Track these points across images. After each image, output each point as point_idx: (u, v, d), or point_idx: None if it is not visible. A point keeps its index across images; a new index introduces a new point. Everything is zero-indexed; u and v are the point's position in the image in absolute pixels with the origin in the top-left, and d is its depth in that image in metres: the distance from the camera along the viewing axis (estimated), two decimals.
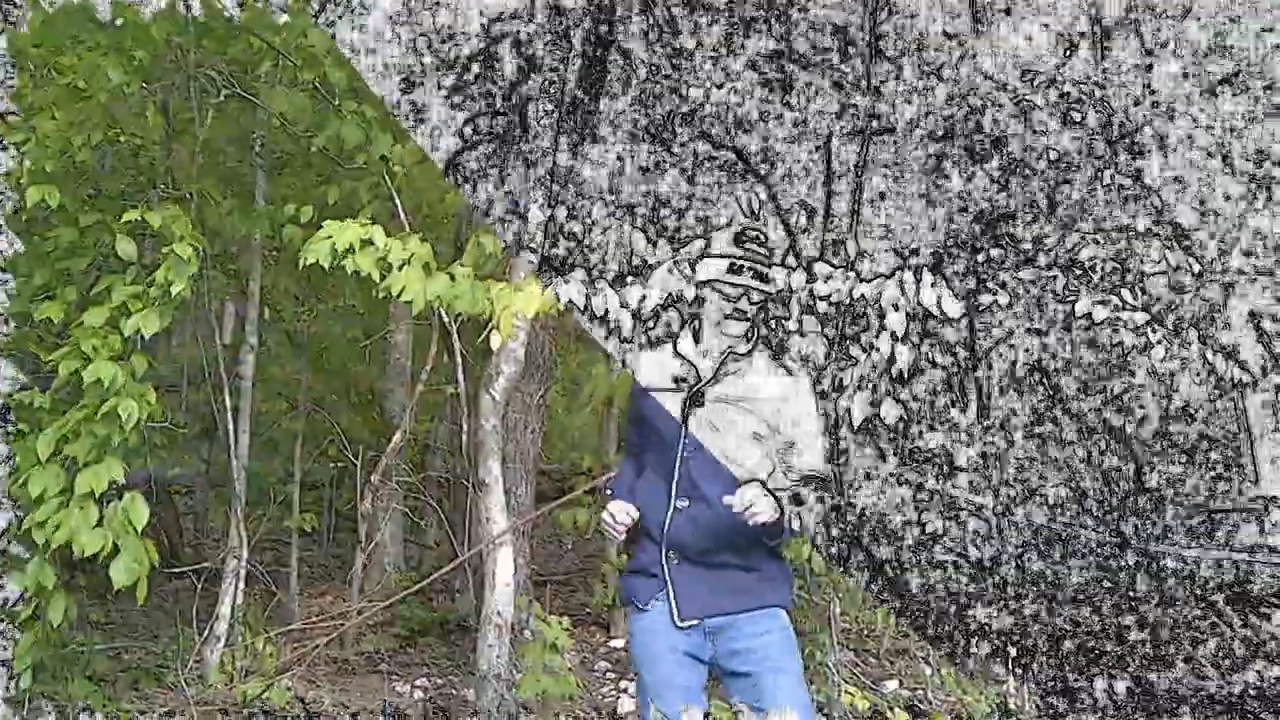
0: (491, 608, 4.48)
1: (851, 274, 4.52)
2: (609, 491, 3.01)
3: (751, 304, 2.87)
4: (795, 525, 2.77)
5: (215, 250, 5.51)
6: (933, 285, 4.27)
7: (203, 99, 5.24)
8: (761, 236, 2.93)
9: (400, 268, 4.29)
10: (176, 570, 5.67)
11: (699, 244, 3.03)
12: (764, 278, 2.88)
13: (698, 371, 2.91)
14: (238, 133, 5.66)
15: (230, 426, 5.44)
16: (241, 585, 5.33)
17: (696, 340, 2.94)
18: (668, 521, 2.84)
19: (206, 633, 5.19)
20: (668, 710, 2.81)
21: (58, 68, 5.13)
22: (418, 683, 5.28)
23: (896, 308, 4.20)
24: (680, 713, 2.80)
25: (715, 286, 2.87)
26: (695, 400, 2.88)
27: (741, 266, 2.86)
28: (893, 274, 4.26)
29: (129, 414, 3.94)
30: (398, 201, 4.96)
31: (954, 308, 4.22)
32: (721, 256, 2.88)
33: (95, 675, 4.98)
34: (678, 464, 2.86)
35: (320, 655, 5.27)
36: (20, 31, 4.43)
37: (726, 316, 2.88)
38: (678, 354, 2.95)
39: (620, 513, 2.86)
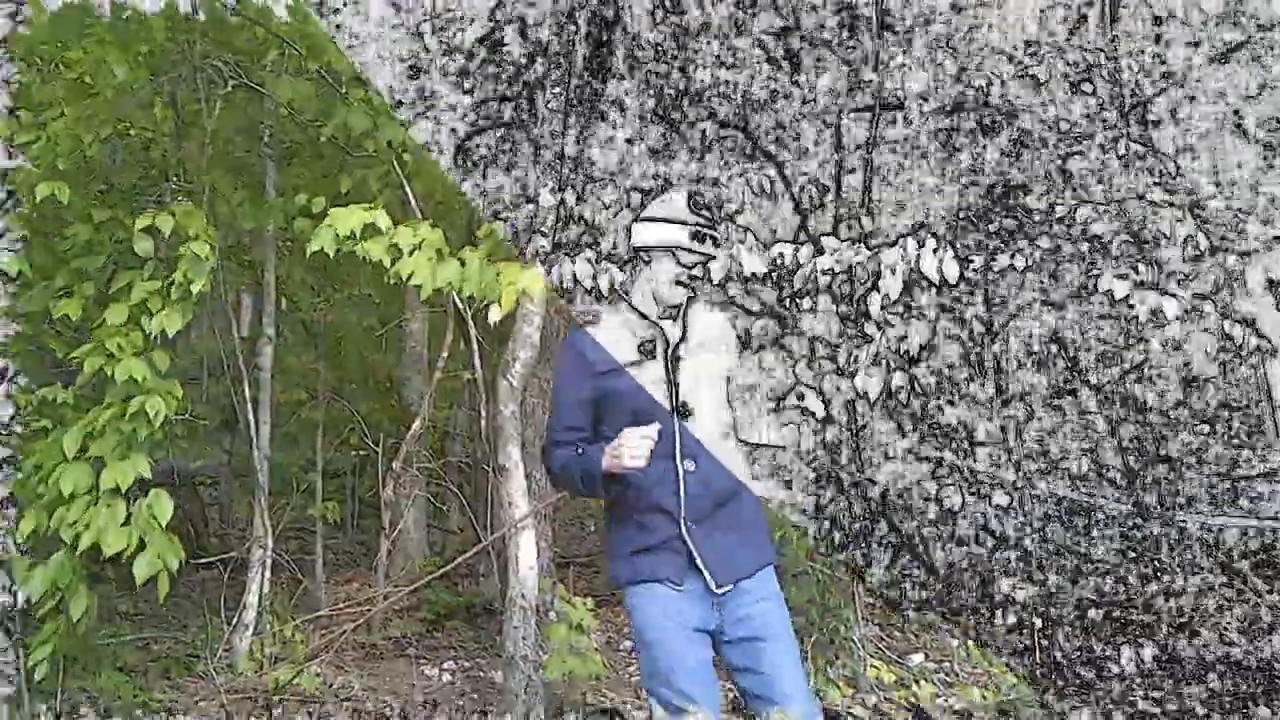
0: (516, 591, 4.51)
1: (861, 247, 4.51)
2: (579, 450, 2.84)
3: (706, 270, 2.90)
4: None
5: (229, 243, 5.54)
6: (935, 251, 4.24)
7: (210, 90, 5.25)
8: (707, 200, 2.93)
9: (410, 253, 4.29)
10: (203, 561, 5.73)
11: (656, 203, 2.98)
12: (715, 242, 2.88)
13: (665, 333, 2.88)
14: (246, 124, 5.68)
15: (251, 417, 5.48)
16: (268, 574, 5.38)
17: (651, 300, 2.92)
18: (682, 488, 2.79)
19: (235, 621, 5.25)
20: (683, 689, 2.75)
21: (65, 63, 5.15)
22: (445, 666, 5.33)
23: (894, 271, 4.18)
24: (692, 692, 2.74)
25: (674, 252, 2.86)
26: (676, 360, 2.86)
27: (704, 235, 2.86)
28: (896, 241, 4.25)
29: (157, 410, 3.97)
30: (408, 189, 4.96)
31: (953, 270, 4.19)
32: (680, 223, 2.87)
33: (126, 667, 5.05)
34: (676, 427, 2.81)
35: (348, 641, 5.32)
36: (20, 32, 4.44)
37: (677, 282, 2.87)
38: (642, 316, 2.91)
39: (643, 437, 2.72)
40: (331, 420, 6.55)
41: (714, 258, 2.91)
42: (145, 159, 5.56)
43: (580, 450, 2.83)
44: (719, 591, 2.76)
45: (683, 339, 2.89)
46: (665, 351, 2.87)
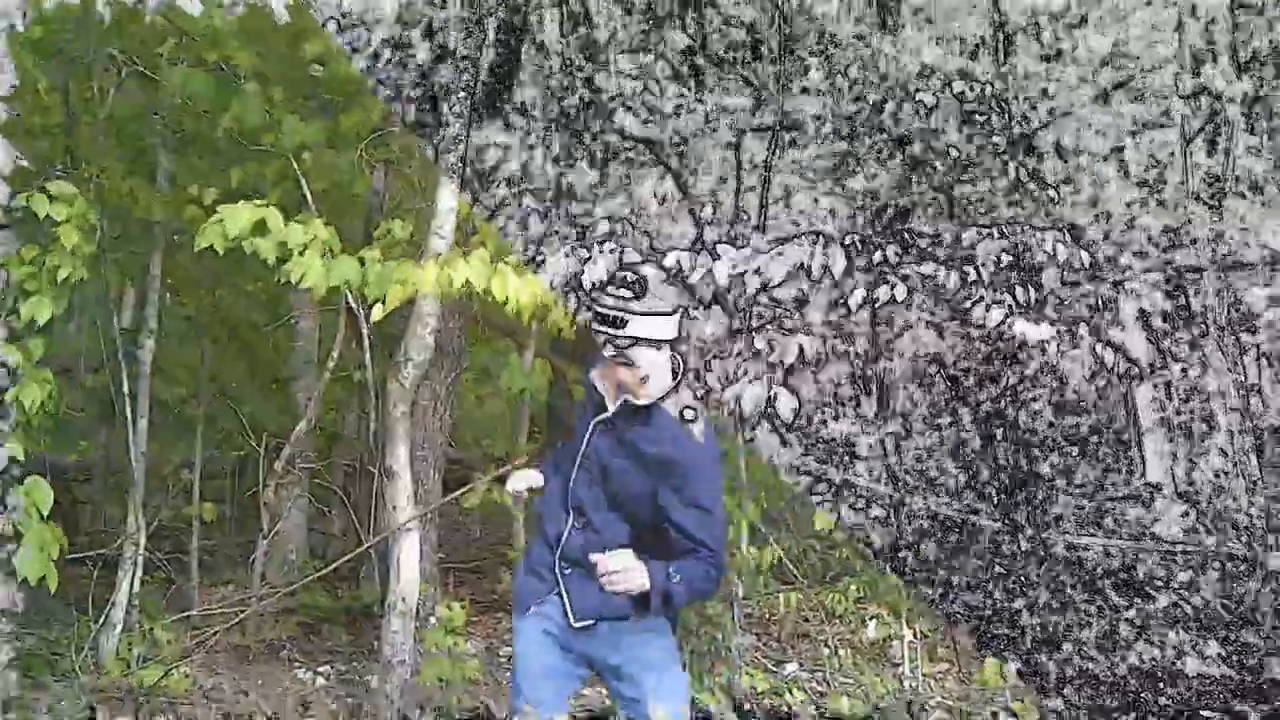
0: (396, 595, 4.47)
1: (752, 255, 4.60)
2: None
3: (619, 349, 2.82)
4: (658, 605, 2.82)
5: (115, 233, 5.38)
6: (824, 250, 4.35)
7: (103, 78, 5.12)
8: (625, 280, 2.85)
9: (301, 252, 4.22)
10: (72, 557, 5.53)
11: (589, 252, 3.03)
12: (615, 323, 2.81)
13: (604, 401, 2.93)
14: (141, 113, 5.54)
15: (128, 412, 5.32)
16: (139, 572, 5.22)
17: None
18: (565, 535, 2.94)
19: (102, 620, 5.08)
20: (520, 688, 2.99)
21: None
22: (320, 669, 5.23)
23: (780, 261, 4.27)
24: (530, 692, 2.96)
25: (590, 325, 2.93)
26: (602, 427, 2.92)
27: (603, 316, 2.83)
28: (786, 241, 4.35)
29: (31, 400, 3.84)
30: (305, 185, 4.89)
31: (839, 267, 4.29)
32: (589, 300, 2.92)
33: None
34: (572, 485, 2.93)
35: (220, 643, 5.19)
36: None
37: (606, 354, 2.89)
38: (590, 381, 2.98)
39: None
40: (213, 419, 6.39)
41: (610, 336, 2.86)
42: (34, 147, 5.39)
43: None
44: (576, 625, 2.92)
45: (614, 417, 2.92)
46: (595, 413, 2.94)
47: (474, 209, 5.12)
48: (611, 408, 2.91)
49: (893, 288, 4.11)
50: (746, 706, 4.51)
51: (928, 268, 4.17)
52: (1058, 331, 4.25)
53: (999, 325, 4.20)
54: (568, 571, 2.92)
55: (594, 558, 2.80)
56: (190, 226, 4.94)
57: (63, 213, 4.14)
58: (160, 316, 5.60)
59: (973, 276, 4.22)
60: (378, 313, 4.21)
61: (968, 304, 4.23)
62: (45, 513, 3.84)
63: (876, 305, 4.19)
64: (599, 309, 2.83)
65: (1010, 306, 4.21)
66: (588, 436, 2.93)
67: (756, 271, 4.14)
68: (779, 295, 4.25)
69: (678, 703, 2.94)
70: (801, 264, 4.09)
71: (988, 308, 4.17)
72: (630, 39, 5.45)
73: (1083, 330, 4.46)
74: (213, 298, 6.26)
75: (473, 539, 8.09)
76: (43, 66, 4.97)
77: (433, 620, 4.84)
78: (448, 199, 4.79)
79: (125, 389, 5.32)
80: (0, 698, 4.02)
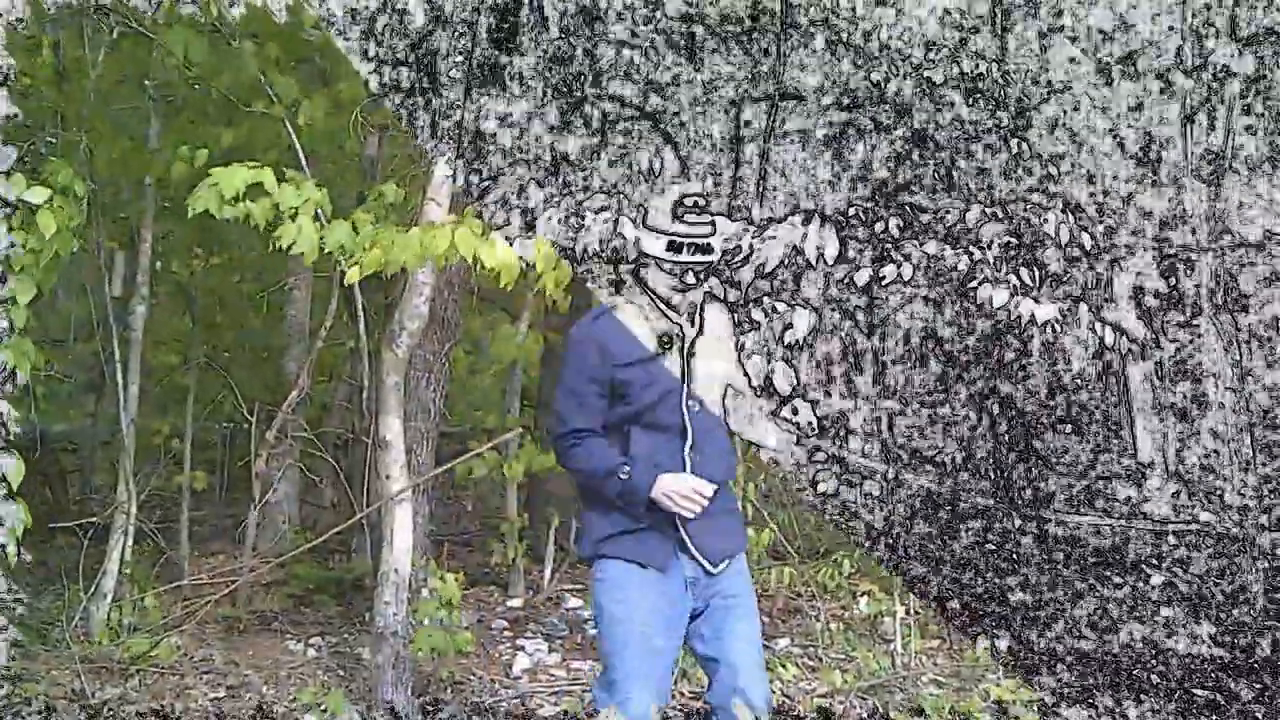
0: (389, 565, 4.44)
1: (750, 228, 4.56)
2: (625, 474, 2.84)
3: (697, 277, 2.88)
4: None
5: (105, 198, 5.31)
6: (820, 228, 4.32)
7: (95, 37, 5.03)
8: (700, 203, 2.89)
9: (293, 216, 4.15)
10: (61, 526, 5.49)
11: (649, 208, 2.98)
12: (705, 249, 2.85)
13: (682, 327, 2.91)
14: (133, 73, 5.45)
15: (120, 380, 5.27)
16: (130, 542, 5.19)
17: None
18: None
19: (92, 589, 5.05)
20: (633, 669, 2.82)
21: None
22: (311, 641, 5.22)
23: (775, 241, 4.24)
24: (641, 671, 2.82)
25: (658, 264, 2.87)
26: (691, 355, 2.91)
27: (681, 245, 2.84)
28: (782, 219, 4.31)
29: (16, 369, 3.78)
30: (298, 148, 4.81)
31: (832, 250, 4.27)
32: (661, 233, 2.86)
33: None
34: (687, 418, 2.87)
35: (210, 614, 5.18)
36: None
37: (673, 289, 2.89)
38: (662, 311, 2.92)
39: (705, 487, 2.83)
40: (204, 387, 6.35)
41: (697, 264, 2.87)
42: (22, 105, 5.31)
43: (625, 474, 2.83)
44: (714, 572, 2.87)
45: (699, 334, 2.94)
46: (681, 347, 2.91)
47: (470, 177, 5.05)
48: (690, 333, 2.93)
49: (899, 266, 4.08)
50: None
51: (932, 247, 4.14)
52: (1058, 310, 4.23)
53: (1004, 305, 4.18)
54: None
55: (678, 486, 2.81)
56: (181, 189, 4.87)
57: (40, 197, 4.02)
58: (151, 283, 5.54)
59: (978, 256, 4.19)
60: (352, 275, 4.12)
61: (974, 283, 4.21)
62: (15, 486, 3.79)
63: (883, 284, 4.15)
64: (683, 237, 2.85)
65: (1015, 286, 4.19)
66: (683, 364, 2.91)
67: (749, 255, 4.11)
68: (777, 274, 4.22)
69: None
70: (794, 247, 4.06)
71: (994, 287, 4.15)
72: (629, 5, 5.39)
73: (1082, 310, 4.44)
74: (204, 264, 6.21)
75: (465, 511, 8.08)
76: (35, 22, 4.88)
77: (425, 592, 4.83)
78: (443, 166, 4.73)
79: (116, 356, 5.26)
80: None
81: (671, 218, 2.88)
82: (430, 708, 4.33)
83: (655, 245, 2.87)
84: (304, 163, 4.77)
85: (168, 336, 6.41)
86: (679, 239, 2.86)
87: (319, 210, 4.18)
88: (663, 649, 2.86)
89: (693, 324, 2.95)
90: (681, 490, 2.81)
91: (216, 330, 6.72)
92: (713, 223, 2.89)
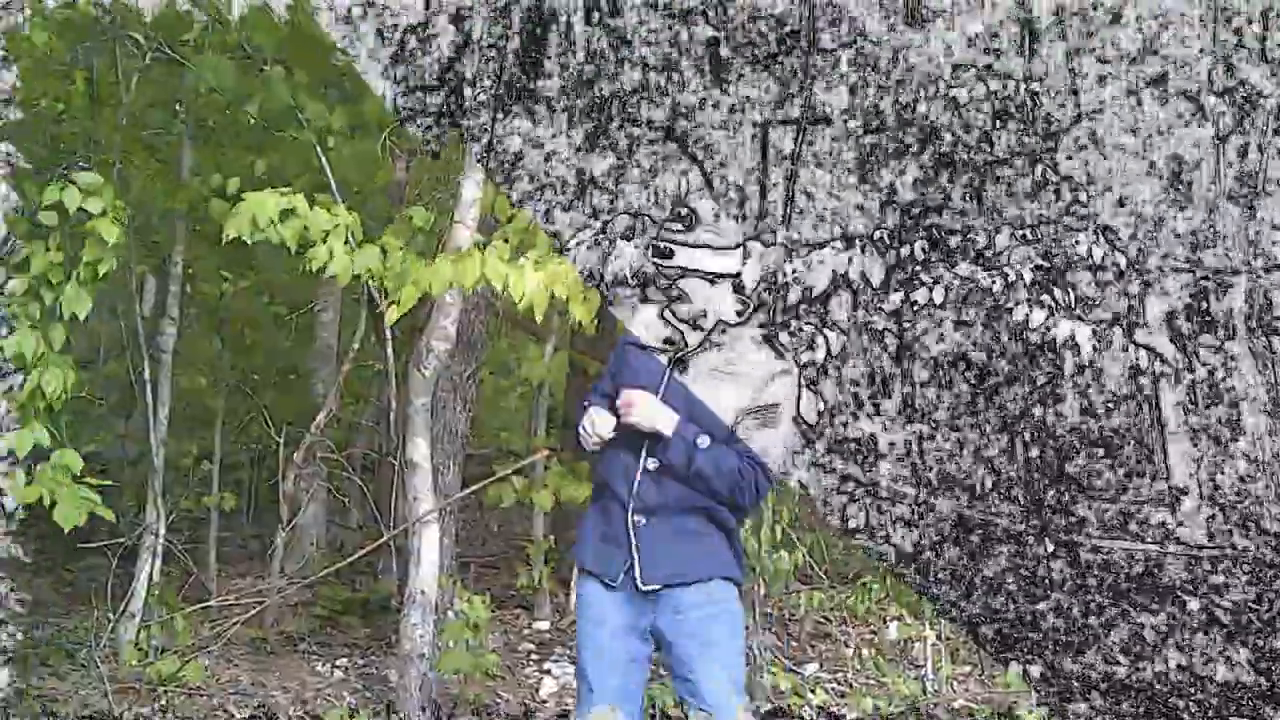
0: (416, 587, 4.44)
1: (783, 250, 4.56)
2: (585, 403, 2.91)
3: (671, 281, 2.81)
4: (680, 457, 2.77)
5: (137, 222, 5.37)
6: (862, 250, 4.32)
7: (127, 63, 5.09)
8: (677, 213, 2.84)
9: (324, 239, 4.21)
10: (90, 546, 5.53)
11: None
12: (665, 254, 2.79)
13: (685, 337, 2.87)
14: (164, 99, 5.52)
15: (150, 400, 5.31)
16: (159, 563, 5.21)
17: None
18: (636, 482, 2.80)
19: (121, 610, 5.07)
20: (592, 684, 2.81)
21: None
22: (338, 662, 5.22)
23: (818, 268, 4.24)
24: (601, 686, 2.80)
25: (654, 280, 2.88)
26: (679, 365, 2.85)
27: (654, 248, 2.83)
28: (824, 245, 4.30)
29: (54, 387, 3.83)
30: (329, 173, 4.85)
31: (878, 275, 4.26)
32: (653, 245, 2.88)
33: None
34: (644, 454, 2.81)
35: (238, 635, 5.18)
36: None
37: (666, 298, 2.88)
38: (668, 318, 2.90)
39: (602, 422, 2.80)
40: (232, 409, 6.39)
41: (668, 269, 2.82)
42: (55, 131, 5.38)
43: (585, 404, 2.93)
44: (644, 588, 2.77)
45: (699, 348, 2.86)
46: (676, 349, 2.87)
47: (499, 199, 5.07)
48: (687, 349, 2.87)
49: (930, 289, 4.06)
50: (766, 707, 4.48)
51: (964, 269, 4.12)
52: (1093, 332, 4.19)
53: (1041, 325, 4.15)
54: (641, 524, 2.79)
55: (625, 395, 2.76)
56: (214, 216, 4.93)
57: (97, 206, 4.11)
58: (181, 305, 5.59)
59: (1012, 278, 4.16)
60: (393, 315, 4.21)
61: (1009, 306, 4.18)
62: (76, 472, 3.85)
63: (915, 308, 4.13)
64: (651, 241, 2.84)
65: (1050, 308, 4.16)
66: (665, 377, 2.86)
67: (795, 279, 4.10)
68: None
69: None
70: (841, 273, 4.04)
71: (1029, 309, 4.12)
72: (656, 30, 5.41)
73: (1115, 332, 4.41)
74: (234, 286, 6.26)
75: (491, 534, 8.07)
76: (65, 49, 4.94)
77: (450, 614, 4.82)
78: (472, 189, 4.75)
79: (147, 377, 5.31)
80: None
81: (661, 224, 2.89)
82: None
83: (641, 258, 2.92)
84: (334, 187, 4.81)
85: (197, 358, 6.46)
86: (653, 242, 2.86)
87: (349, 234, 4.22)
88: (624, 670, 2.82)
89: (699, 339, 2.88)
90: (592, 415, 2.82)
91: (245, 352, 6.77)
92: (687, 228, 2.82)
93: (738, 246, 2.84)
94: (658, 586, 2.78)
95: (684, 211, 2.83)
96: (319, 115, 4.79)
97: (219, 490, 5.98)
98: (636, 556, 2.79)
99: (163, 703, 4.61)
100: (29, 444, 3.77)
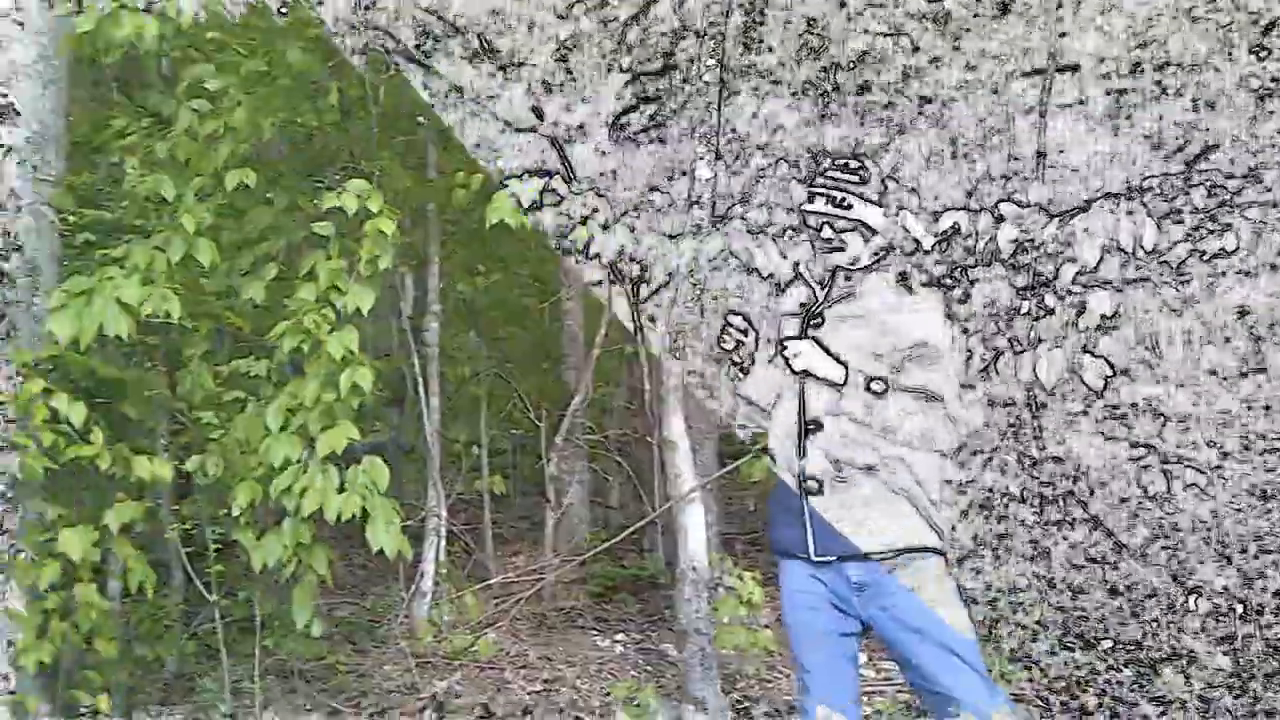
0: (687, 563, 4.55)
1: (1039, 213, 4.40)
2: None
3: (836, 232, 2.77)
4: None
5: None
6: (1129, 214, 4.12)
7: (374, 75, 5.36)
8: (848, 165, 2.82)
9: (584, 221, 4.39)
10: None
11: None
12: (840, 204, 2.77)
13: (815, 293, 2.86)
14: (408, 106, 5.79)
15: (422, 392, 5.65)
16: (443, 544, 5.55)
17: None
18: (802, 447, 2.73)
19: (413, 589, 5.44)
20: (803, 677, 2.75)
21: (239, 52, 5.31)
22: (616, 637, 5.43)
23: (1090, 235, 4.06)
24: (811, 682, 2.72)
25: (803, 217, 2.86)
26: (813, 321, 2.82)
27: (814, 194, 2.83)
28: (1087, 206, 4.11)
29: (364, 383, 4.08)
30: (569, 162, 4.99)
31: (1151, 238, 4.05)
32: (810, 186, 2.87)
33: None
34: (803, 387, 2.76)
35: (521, 611, 5.47)
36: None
37: (816, 246, 2.86)
38: (798, 276, 2.93)
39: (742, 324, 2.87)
40: (493, 397, 6.70)
41: (836, 217, 2.79)
42: (309, 145, 5.72)
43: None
44: (816, 560, 2.68)
45: (826, 301, 2.84)
46: (808, 308, 2.85)
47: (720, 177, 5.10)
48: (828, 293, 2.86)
49: (1221, 235, 3.81)
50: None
51: (1254, 213, 3.85)
52: None
53: None
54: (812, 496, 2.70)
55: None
56: (457, 204, 5.14)
57: (376, 204, 4.37)
58: (441, 301, 5.91)
59: None
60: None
61: None
62: (383, 489, 4.07)
63: (1204, 258, 3.90)
64: (821, 189, 2.82)
65: None
66: (802, 327, 2.85)
67: (1070, 258, 3.94)
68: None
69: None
70: (1113, 241, 3.86)
71: None
72: None
73: None
74: (486, 280, 6.54)
75: (748, 511, 8.15)
76: (311, 64, 5.21)
77: (721, 590, 4.92)
78: (704, 170, 4.81)
79: (416, 370, 5.65)
80: None
81: (819, 174, 2.87)
82: (740, 704, 4.42)
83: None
84: (574, 174, 4.95)
85: (457, 350, 6.80)
86: (814, 190, 2.86)
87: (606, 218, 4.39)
88: (829, 650, 2.73)
89: (825, 292, 2.86)
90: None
91: (499, 343, 7.08)
92: (860, 180, 2.80)
93: (887, 206, 2.84)
94: (830, 557, 2.72)
95: (855, 165, 2.83)
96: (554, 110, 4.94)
97: (488, 474, 6.29)
98: (810, 526, 2.74)
99: (458, 675, 4.92)
100: (342, 442, 4.02)
